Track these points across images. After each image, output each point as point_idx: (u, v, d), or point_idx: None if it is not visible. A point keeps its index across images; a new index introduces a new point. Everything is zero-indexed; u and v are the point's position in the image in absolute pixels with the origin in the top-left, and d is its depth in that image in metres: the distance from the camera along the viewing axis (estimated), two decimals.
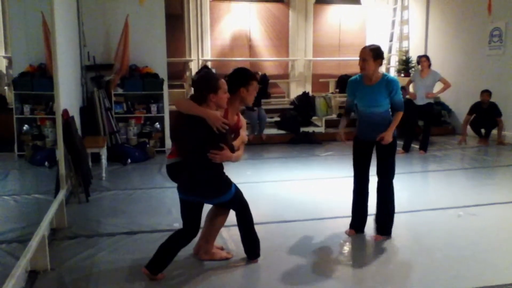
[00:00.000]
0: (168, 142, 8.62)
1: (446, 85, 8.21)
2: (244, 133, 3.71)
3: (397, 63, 12.61)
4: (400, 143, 8.73)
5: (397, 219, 4.79)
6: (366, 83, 4.12)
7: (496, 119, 9.03)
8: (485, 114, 9.12)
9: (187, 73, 11.39)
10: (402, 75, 11.90)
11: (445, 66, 10.60)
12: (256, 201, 5.47)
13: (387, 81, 4.06)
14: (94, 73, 8.20)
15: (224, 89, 3.31)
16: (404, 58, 12.12)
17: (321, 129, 10.14)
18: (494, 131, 9.27)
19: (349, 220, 4.50)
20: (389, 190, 4.27)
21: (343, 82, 12.07)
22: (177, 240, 3.48)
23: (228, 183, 3.48)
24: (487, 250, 3.99)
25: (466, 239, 4.26)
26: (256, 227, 3.74)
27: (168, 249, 3.42)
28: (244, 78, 3.62)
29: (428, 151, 8.46)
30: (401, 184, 6.46)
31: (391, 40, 12.92)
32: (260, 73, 10.26)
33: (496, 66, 9.76)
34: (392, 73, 12.99)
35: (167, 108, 8.64)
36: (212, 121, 3.19)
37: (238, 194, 3.57)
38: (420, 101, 8.18)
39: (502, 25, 9.49)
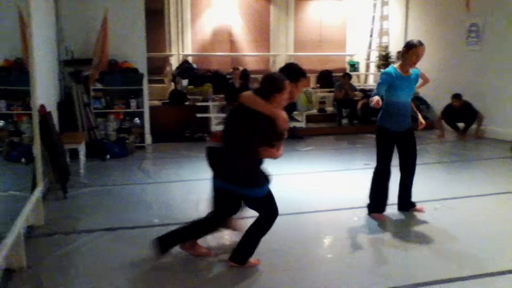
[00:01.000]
0: (148, 138, 8.57)
1: (425, 81, 8.31)
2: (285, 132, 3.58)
3: (377, 59, 12.71)
4: None
5: (364, 211, 4.86)
6: (405, 74, 4.42)
7: (474, 116, 9.22)
8: (459, 114, 9.32)
9: (168, 68, 11.30)
10: (382, 70, 11.98)
11: (424, 62, 10.64)
12: None
13: (416, 73, 4.54)
14: (72, 68, 8.07)
15: (287, 90, 3.35)
16: (384, 53, 12.22)
17: (302, 124, 10.16)
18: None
19: (331, 213, 4.56)
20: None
21: (324, 77, 12.15)
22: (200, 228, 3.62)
23: (264, 180, 3.53)
24: (463, 242, 4.06)
25: (443, 232, 4.33)
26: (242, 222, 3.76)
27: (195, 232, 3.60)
28: (295, 74, 3.60)
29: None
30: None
31: (371, 36, 13.01)
32: (241, 68, 10.24)
33: (474, 61, 9.91)
34: (372, 69, 13.11)
35: (147, 103, 8.57)
36: (280, 122, 3.28)
37: (271, 198, 3.53)
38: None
39: (480, 21, 9.64)
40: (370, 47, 13.11)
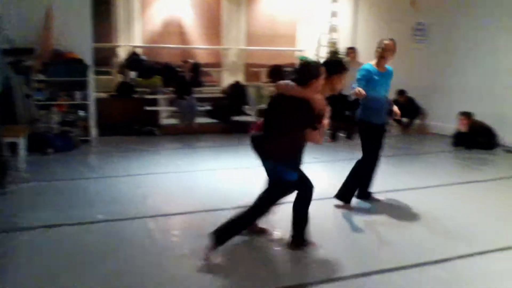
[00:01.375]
0: (94, 131, 8.30)
1: None
2: (326, 120, 3.67)
3: (327, 55, 12.89)
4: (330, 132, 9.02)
5: (322, 204, 4.95)
6: (381, 70, 4.76)
7: (418, 111, 9.59)
8: (403, 109, 9.62)
9: (115, 59, 10.97)
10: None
11: (373, 58, 10.98)
12: (188, 190, 5.46)
13: (390, 70, 4.89)
14: (12, 57, 7.66)
15: (323, 76, 3.57)
16: (334, 49, 12.42)
17: (253, 119, 10.17)
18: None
19: (285, 206, 4.59)
20: None
21: (275, 72, 12.20)
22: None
23: (297, 165, 3.64)
24: (409, 232, 4.21)
25: (383, 223, 4.46)
26: (189, 216, 3.71)
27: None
28: (338, 67, 3.84)
29: (355, 140, 8.77)
30: (327, 172, 6.73)
31: (322, 32, 13.17)
32: (191, 61, 10.11)
33: (419, 59, 10.26)
34: None
35: (92, 95, 8.29)
36: (317, 104, 3.45)
37: (302, 178, 3.71)
38: (348, 91, 8.42)
39: (426, 20, 9.98)
40: (320, 43, 13.27)
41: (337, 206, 4.87)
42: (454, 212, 4.83)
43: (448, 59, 9.52)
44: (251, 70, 12.49)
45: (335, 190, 5.39)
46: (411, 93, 9.74)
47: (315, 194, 5.21)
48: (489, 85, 8.59)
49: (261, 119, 3.81)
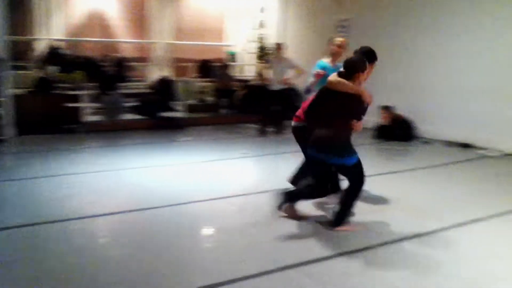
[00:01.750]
0: (10, 130, 7.80)
1: (301, 72, 8.66)
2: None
3: (256, 50, 12.99)
4: (257, 127, 9.11)
5: (253, 199, 4.99)
6: (333, 67, 4.72)
7: None
8: None
9: (33, 54, 10.36)
10: (261, 61, 12.31)
11: (299, 54, 11.22)
12: (114, 190, 5.28)
13: (340, 66, 4.53)
14: None
15: (366, 69, 3.89)
16: (263, 45, 12.53)
17: (182, 114, 10.04)
18: None
19: (208, 203, 4.62)
20: None
21: (204, 67, 12.10)
22: (310, 191, 4.18)
23: (354, 150, 3.92)
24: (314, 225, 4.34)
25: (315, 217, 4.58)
26: (117, 216, 3.57)
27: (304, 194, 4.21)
28: (372, 56, 4.13)
29: (284, 134, 8.92)
30: (257, 166, 6.80)
31: (249, 27, 13.25)
32: (115, 55, 9.78)
33: (344, 55, 10.58)
34: (251, 60, 13.38)
35: (8, 91, 7.77)
36: (365, 98, 3.81)
37: (360, 166, 3.96)
38: (276, 86, 8.55)
39: (348, 17, 10.32)
40: (248, 38, 13.35)
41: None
42: (382, 201, 5.06)
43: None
44: (179, 65, 12.31)
45: (265, 184, 5.47)
46: None
47: (246, 188, 5.28)
48: (408, 80, 9.06)
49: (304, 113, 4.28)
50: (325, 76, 4.56)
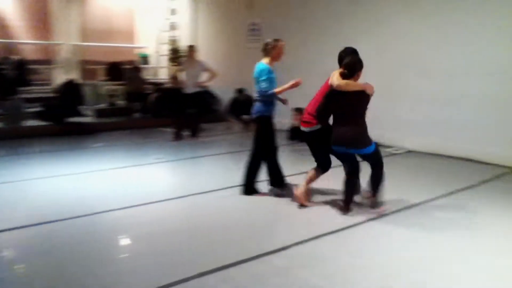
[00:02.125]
0: None
1: (213, 74, 8.64)
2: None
3: (168, 52, 12.75)
4: (171, 130, 8.92)
5: (168, 205, 4.86)
6: (273, 68, 5.06)
7: None
8: (244, 106, 10.03)
9: None
10: (173, 63, 12.11)
11: (212, 56, 11.19)
12: (17, 202, 4.88)
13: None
14: None
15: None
16: (175, 47, 12.33)
17: (91, 119, 9.58)
18: None
19: (126, 211, 4.45)
20: None
21: (113, 69, 11.65)
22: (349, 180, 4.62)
23: (371, 138, 4.44)
24: (247, 226, 4.33)
25: (229, 218, 4.55)
26: (19, 231, 3.27)
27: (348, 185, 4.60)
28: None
29: (199, 138, 8.83)
30: (173, 171, 6.64)
31: (161, 29, 12.98)
32: (15, 57, 9.09)
33: (254, 57, 10.68)
34: (164, 62, 13.12)
35: None
36: (370, 90, 4.31)
37: (379, 152, 4.57)
38: (190, 89, 8.43)
39: (259, 20, 10.48)
40: (160, 40, 13.08)
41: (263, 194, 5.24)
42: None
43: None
44: (87, 68, 11.73)
45: (181, 190, 5.36)
46: (249, 92, 10.14)
47: (163, 195, 5.13)
48: (319, 83, 9.36)
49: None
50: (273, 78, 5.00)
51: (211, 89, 11.64)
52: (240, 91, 10.01)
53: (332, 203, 5.06)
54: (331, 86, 4.39)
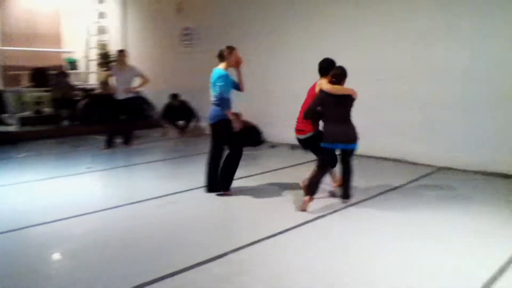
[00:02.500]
0: None
1: (145, 80, 8.43)
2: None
3: (97, 57, 12.33)
4: (103, 138, 8.61)
5: (101, 216, 4.68)
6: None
7: (192, 114, 9.95)
8: (178, 111, 9.92)
9: None
10: (103, 69, 11.73)
11: (144, 61, 10.96)
12: None
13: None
14: None
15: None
16: (104, 51, 11.94)
17: (14, 128, 9.02)
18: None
19: (56, 224, 4.18)
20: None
21: (38, 75, 11.07)
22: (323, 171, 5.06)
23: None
24: (184, 235, 4.24)
25: (166, 228, 4.43)
26: None
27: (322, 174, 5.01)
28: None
29: (132, 145, 8.58)
30: (106, 180, 6.40)
31: (89, 33, 12.53)
32: None
33: (188, 62, 10.63)
34: (93, 68, 12.67)
35: None
36: (354, 95, 4.89)
37: None
38: (121, 95, 8.18)
39: (191, 25, 10.39)
40: (89, 44, 12.62)
41: (220, 195, 5.40)
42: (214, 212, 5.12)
43: (214, 62, 10.03)
44: (9, 73, 11.06)
45: (114, 200, 5.17)
46: (184, 97, 10.03)
47: (95, 206, 4.92)
48: (255, 87, 9.41)
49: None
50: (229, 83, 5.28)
51: (144, 94, 11.41)
52: (174, 96, 9.85)
53: (275, 205, 5.10)
54: (321, 91, 4.92)
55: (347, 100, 4.95)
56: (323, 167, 5.07)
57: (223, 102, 5.23)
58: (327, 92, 4.88)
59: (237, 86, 5.47)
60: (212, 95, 5.32)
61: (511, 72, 6.36)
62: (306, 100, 5.17)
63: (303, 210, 4.82)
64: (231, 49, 5.35)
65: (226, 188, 5.43)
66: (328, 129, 4.98)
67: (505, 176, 6.43)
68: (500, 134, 6.51)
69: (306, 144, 5.27)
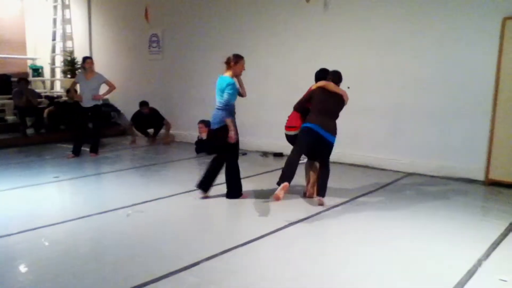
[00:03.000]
0: None
1: (112, 87, 8.28)
2: None
3: (62, 64, 12.06)
4: (69, 146, 8.41)
5: (68, 227, 4.55)
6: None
7: (162, 122, 9.84)
8: (148, 119, 9.81)
9: None
10: (69, 76, 11.48)
11: (110, 68, 10.80)
12: None
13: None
14: None
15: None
16: (69, 58, 11.69)
17: None
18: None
19: (21, 236, 4.13)
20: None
21: (1, 82, 10.74)
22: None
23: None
24: (156, 244, 4.16)
25: (136, 237, 4.34)
26: None
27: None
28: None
29: (100, 153, 8.40)
30: (74, 190, 6.23)
31: (54, 39, 12.25)
32: None
33: (157, 69, 10.54)
34: (58, 75, 12.40)
35: None
36: (346, 97, 5.29)
37: None
38: (87, 103, 8.01)
39: (159, 32, 10.31)
40: (54, 51, 12.34)
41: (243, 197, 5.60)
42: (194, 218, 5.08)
43: (183, 69, 10.06)
44: None
45: (83, 209, 5.04)
46: (153, 105, 9.92)
47: (61, 216, 4.79)
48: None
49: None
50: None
51: (112, 102, 11.24)
52: (143, 103, 9.72)
53: (248, 212, 5.08)
54: (316, 88, 5.27)
55: (338, 101, 5.27)
56: (298, 157, 5.20)
57: (228, 108, 5.31)
58: (321, 87, 5.23)
59: (239, 93, 5.55)
60: (218, 101, 5.36)
61: (476, 80, 6.58)
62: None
63: (278, 199, 4.79)
64: (238, 58, 5.37)
65: (240, 192, 5.63)
66: (311, 116, 5.22)
67: (471, 181, 6.64)
68: (466, 140, 6.72)
69: (295, 140, 5.38)
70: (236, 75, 5.39)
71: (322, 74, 5.51)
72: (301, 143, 5.19)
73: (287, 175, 4.93)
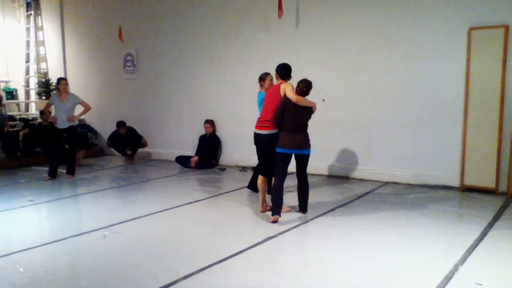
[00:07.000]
0: None
1: (87, 108, 8.21)
2: None
3: (37, 86, 11.93)
4: (45, 169, 8.27)
5: (44, 251, 4.46)
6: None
7: (140, 141, 9.79)
8: (126, 139, 9.74)
9: None
10: (44, 97, 11.34)
11: (86, 89, 10.75)
12: None
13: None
14: None
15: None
16: (44, 80, 11.56)
17: None
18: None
19: (7, 259, 3.93)
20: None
21: None
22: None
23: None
24: (132, 265, 4.09)
25: (112, 259, 4.26)
26: None
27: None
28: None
29: (76, 174, 8.29)
30: (49, 213, 6.11)
31: (28, 61, 12.13)
32: None
33: (132, 89, 10.49)
34: (33, 97, 12.25)
35: None
36: (315, 108, 5.40)
37: None
38: (62, 124, 7.91)
39: (133, 51, 10.29)
40: (28, 73, 12.20)
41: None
42: (183, 233, 5.03)
43: (159, 88, 10.04)
44: None
45: (60, 233, 4.95)
46: (130, 123, 9.87)
47: (42, 239, 4.68)
48: (198, 112, 9.42)
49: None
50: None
51: (88, 122, 11.13)
52: (120, 124, 9.66)
53: (229, 227, 5.05)
54: (286, 98, 5.25)
55: (307, 111, 5.36)
56: (264, 172, 5.53)
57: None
58: (291, 101, 5.24)
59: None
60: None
61: (446, 89, 6.74)
62: (271, 100, 5.43)
63: (276, 220, 5.15)
64: (267, 74, 6.09)
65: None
66: (283, 135, 5.28)
67: (446, 187, 6.75)
68: (440, 148, 6.86)
69: (264, 141, 5.49)
70: (266, 89, 5.93)
71: (287, 70, 5.52)
72: (279, 167, 5.32)
73: (277, 203, 5.21)
